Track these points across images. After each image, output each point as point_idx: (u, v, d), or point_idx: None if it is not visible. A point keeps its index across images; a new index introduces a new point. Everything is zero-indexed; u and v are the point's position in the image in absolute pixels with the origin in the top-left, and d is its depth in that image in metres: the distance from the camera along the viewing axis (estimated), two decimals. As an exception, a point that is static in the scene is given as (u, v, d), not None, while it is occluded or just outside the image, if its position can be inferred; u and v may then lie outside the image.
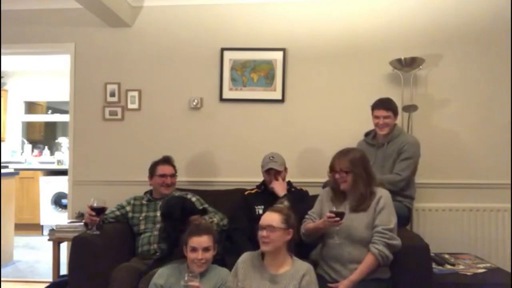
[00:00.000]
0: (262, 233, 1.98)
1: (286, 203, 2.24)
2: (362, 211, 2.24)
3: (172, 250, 2.38)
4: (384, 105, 2.88)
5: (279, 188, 2.75)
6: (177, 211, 2.41)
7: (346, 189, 2.29)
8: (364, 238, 2.21)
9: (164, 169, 2.89)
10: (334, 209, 2.17)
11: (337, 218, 2.13)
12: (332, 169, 2.31)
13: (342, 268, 2.22)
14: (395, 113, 2.90)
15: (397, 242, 2.20)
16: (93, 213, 2.50)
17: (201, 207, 2.78)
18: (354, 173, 2.25)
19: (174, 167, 2.95)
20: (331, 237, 2.27)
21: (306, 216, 2.43)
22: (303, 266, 2.03)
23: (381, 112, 2.85)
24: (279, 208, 2.12)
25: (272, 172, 2.81)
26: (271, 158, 2.84)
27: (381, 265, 2.19)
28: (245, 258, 2.09)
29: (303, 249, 2.40)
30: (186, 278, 1.89)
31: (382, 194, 2.27)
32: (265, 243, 1.98)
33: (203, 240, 2.07)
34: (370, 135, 3.03)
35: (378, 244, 2.16)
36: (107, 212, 2.69)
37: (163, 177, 2.86)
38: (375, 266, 2.17)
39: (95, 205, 2.50)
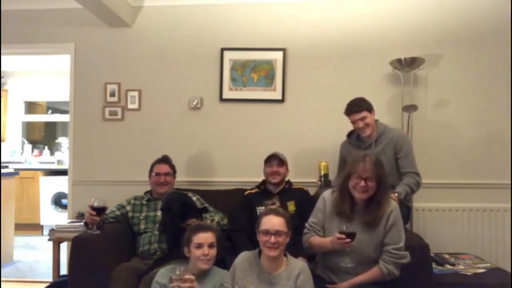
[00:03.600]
0: (270, 239, 1.95)
1: (278, 203, 2.21)
2: (374, 226, 2.09)
3: (172, 250, 2.38)
4: (354, 108, 2.75)
5: None
6: (177, 205, 2.43)
7: (363, 198, 2.11)
8: (374, 258, 2.11)
9: (159, 168, 2.90)
10: (344, 228, 2.03)
11: (348, 240, 1.99)
12: (353, 174, 2.10)
13: (347, 277, 2.13)
14: (369, 110, 2.76)
15: (407, 259, 2.10)
16: (94, 213, 2.50)
17: (201, 206, 2.78)
18: (380, 182, 2.08)
19: (171, 166, 2.94)
20: (341, 260, 2.13)
21: (308, 227, 2.26)
22: (298, 265, 2.03)
23: (355, 116, 2.74)
24: (279, 211, 2.08)
25: (274, 163, 2.80)
26: (274, 152, 2.87)
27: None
28: (242, 258, 2.09)
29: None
30: (178, 272, 1.84)
31: (393, 208, 2.13)
32: (274, 249, 1.96)
33: (209, 236, 2.07)
34: (353, 136, 2.92)
35: (388, 263, 2.07)
36: (107, 212, 2.68)
37: (157, 176, 2.86)
38: (380, 279, 2.09)
39: (95, 204, 2.50)
